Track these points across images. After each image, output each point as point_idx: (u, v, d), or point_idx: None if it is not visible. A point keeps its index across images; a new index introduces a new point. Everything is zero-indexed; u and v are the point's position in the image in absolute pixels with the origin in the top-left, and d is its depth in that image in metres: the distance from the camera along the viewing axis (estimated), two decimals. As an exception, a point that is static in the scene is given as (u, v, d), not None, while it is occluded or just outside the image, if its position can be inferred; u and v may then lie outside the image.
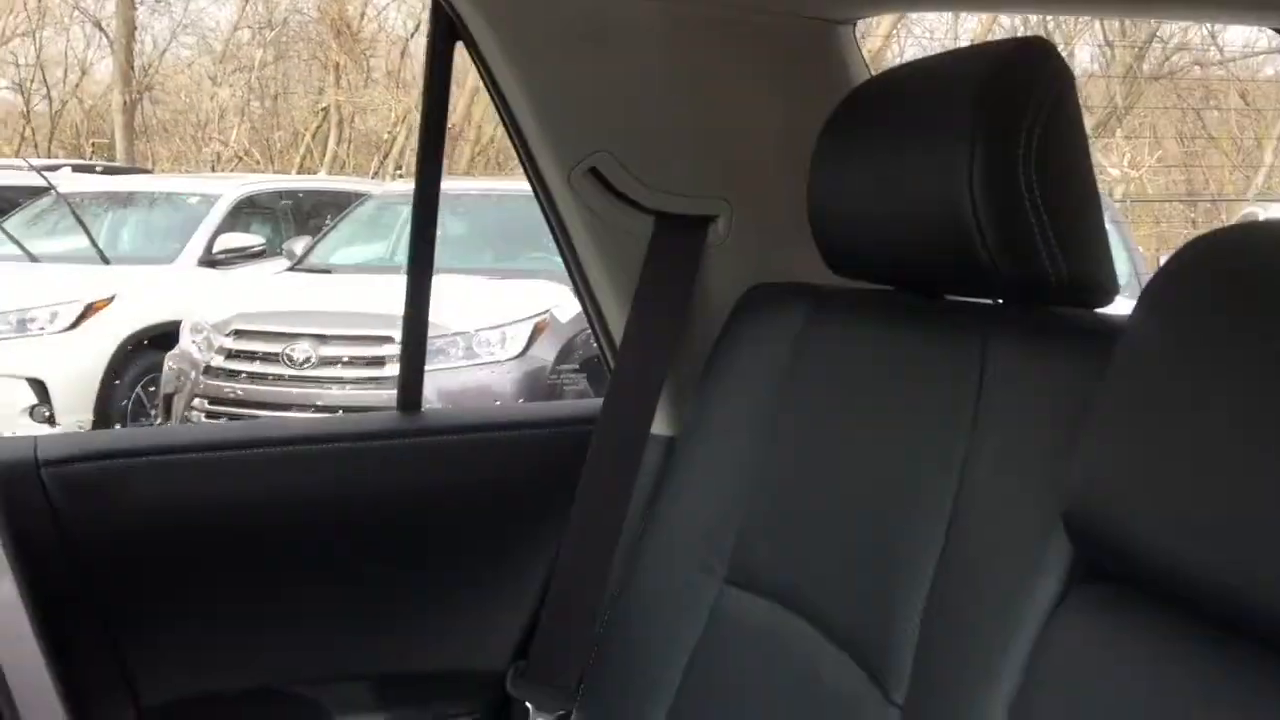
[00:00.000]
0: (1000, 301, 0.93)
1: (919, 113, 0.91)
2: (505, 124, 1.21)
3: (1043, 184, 0.83)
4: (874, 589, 0.86)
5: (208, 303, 6.05)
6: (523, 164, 1.23)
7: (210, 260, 7.30)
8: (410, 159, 16.13)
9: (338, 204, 8.18)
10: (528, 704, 1.20)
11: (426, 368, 1.39)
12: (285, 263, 7.06)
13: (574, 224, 1.23)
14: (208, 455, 1.29)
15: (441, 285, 5.00)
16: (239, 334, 5.48)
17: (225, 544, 1.25)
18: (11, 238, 7.05)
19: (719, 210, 1.22)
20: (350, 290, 5.85)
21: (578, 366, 5.27)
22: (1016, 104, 0.84)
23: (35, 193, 7.84)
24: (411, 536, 1.30)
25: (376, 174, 15.23)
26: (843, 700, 0.86)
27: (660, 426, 1.23)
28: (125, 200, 8.12)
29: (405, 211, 7.10)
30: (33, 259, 6.93)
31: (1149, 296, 0.66)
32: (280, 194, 8.67)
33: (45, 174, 7.84)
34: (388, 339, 4.89)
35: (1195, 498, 0.57)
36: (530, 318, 5.34)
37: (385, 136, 16.38)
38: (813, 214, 1.02)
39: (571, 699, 1.19)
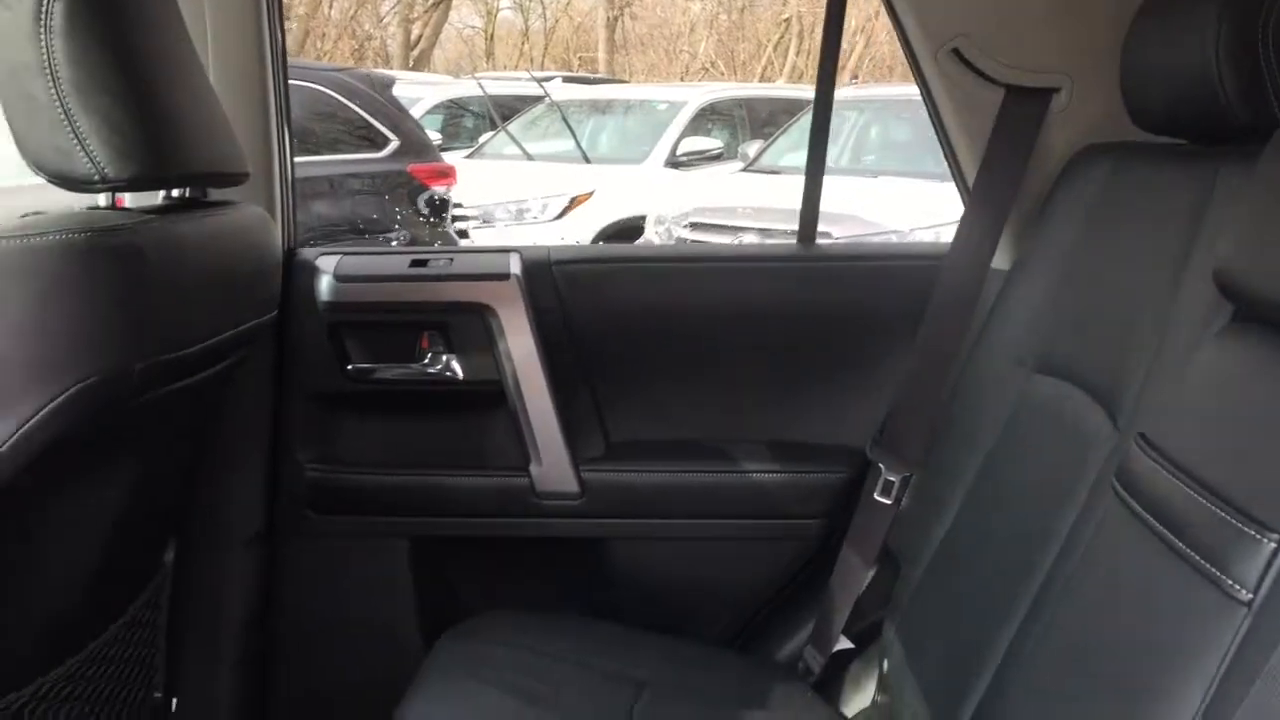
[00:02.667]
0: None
1: None
2: (889, 13, 1.55)
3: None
4: (1125, 351, 1.15)
5: (670, 199, 6.76)
6: (901, 47, 1.57)
7: (674, 161, 8.00)
8: (867, 67, 16.33)
9: (790, 111, 8.59)
10: (881, 465, 1.58)
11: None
12: (739, 164, 7.65)
13: (939, 94, 1.55)
14: (668, 265, 1.77)
15: (881, 188, 5.37)
16: (694, 226, 6.13)
17: (675, 331, 1.72)
18: (514, 139, 8.16)
19: (1061, 84, 1.49)
20: (796, 190, 6.29)
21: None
22: None
23: (532, 101, 8.97)
24: (803, 338, 1.71)
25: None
26: (1087, 436, 1.16)
27: (998, 262, 1.54)
28: (604, 107, 9.04)
29: (850, 118, 7.44)
30: (529, 158, 7.97)
31: None
32: (739, 101, 9.21)
33: (541, 84, 8.92)
34: (824, 235, 5.29)
35: None
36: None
37: (843, 47, 16.63)
38: (1124, 80, 1.28)
39: (914, 464, 1.56)
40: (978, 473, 1.40)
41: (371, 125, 5.75)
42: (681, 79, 16.84)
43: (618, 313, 1.71)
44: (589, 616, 1.67)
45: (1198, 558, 0.85)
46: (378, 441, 1.73)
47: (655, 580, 1.75)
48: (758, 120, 9.01)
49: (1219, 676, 0.79)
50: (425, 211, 5.88)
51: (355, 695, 1.58)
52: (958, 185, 1.63)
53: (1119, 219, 1.29)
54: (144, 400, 1.16)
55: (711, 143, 8.29)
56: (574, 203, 7.27)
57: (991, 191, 1.53)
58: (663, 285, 1.73)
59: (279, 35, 1.65)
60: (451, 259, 1.69)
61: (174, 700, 1.66)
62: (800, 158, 7.78)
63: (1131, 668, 0.88)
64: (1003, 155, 1.52)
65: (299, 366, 1.69)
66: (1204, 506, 0.85)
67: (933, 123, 1.61)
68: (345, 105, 5.68)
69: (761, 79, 16.59)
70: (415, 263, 1.69)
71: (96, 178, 1.09)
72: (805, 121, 7.65)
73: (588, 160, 7.93)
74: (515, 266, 1.66)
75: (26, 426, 1.02)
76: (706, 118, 8.59)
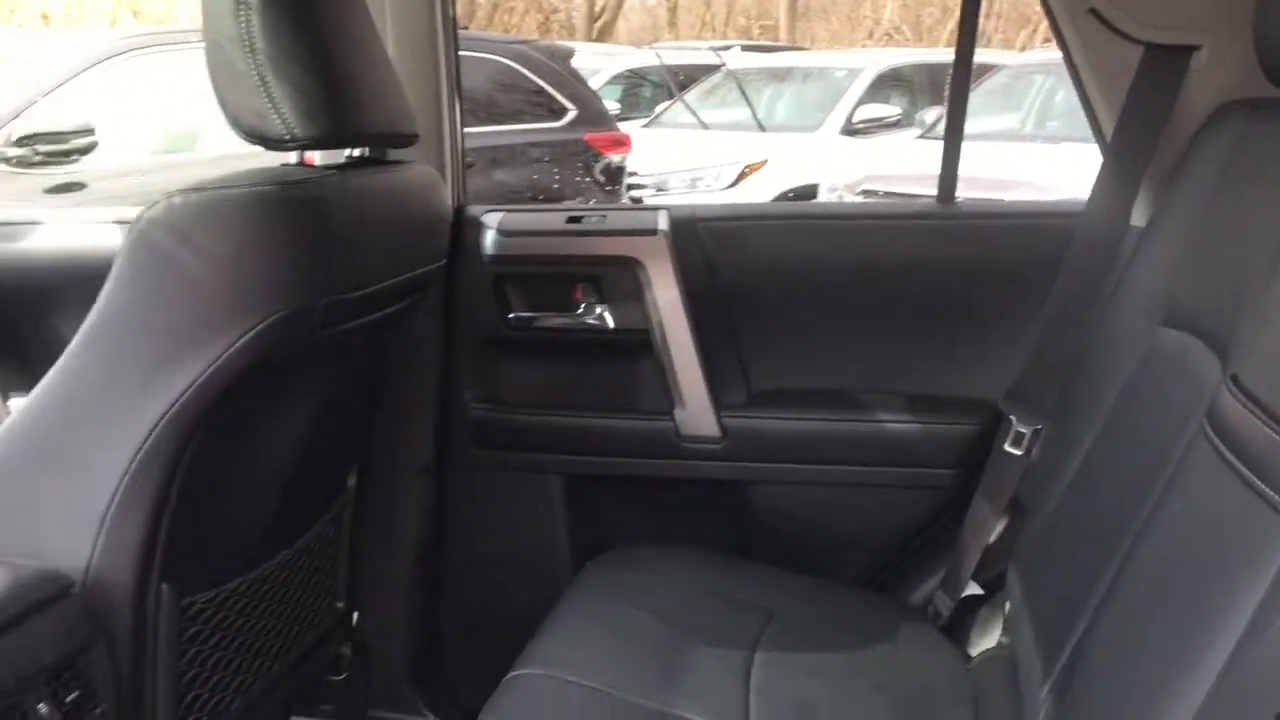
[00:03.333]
0: None
1: None
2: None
3: None
4: (1241, 302, 1.18)
5: (844, 167, 6.74)
6: (1041, 6, 1.59)
7: (850, 129, 7.95)
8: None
9: (974, 76, 8.39)
10: (1012, 418, 1.62)
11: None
12: (917, 132, 7.55)
13: (1078, 54, 1.57)
14: (809, 223, 1.85)
15: (1063, 154, 5.24)
16: (866, 194, 6.11)
17: (815, 286, 1.79)
18: (689, 108, 8.26)
19: (1200, 40, 1.49)
20: (977, 156, 6.18)
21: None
22: None
23: (710, 70, 9.05)
24: (939, 293, 1.76)
25: (1024, 47, 15.09)
26: (1200, 383, 1.19)
27: (1135, 219, 1.56)
28: (782, 75, 9.04)
29: (1039, 82, 7.24)
30: (704, 127, 8.07)
31: None
32: (920, 67, 9.06)
33: (718, 53, 8.98)
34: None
35: None
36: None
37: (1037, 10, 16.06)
38: (1259, 38, 1.29)
39: (1045, 416, 1.59)
40: (1102, 424, 1.44)
41: (551, 95, 5.94)
42: (863, 45, 16.59)
43: (760, 267, 1.80)
44: (725, 553, 1.78)
45: (1275, 496, 0.88)
46: (536, 384, 1.87)
47: (790, 523, 1.84)
48: (938, 86, 8.84)
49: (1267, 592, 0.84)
50: (601, 179, 6.05)
51: (511, 614, 1.73)
52: (1098, 143, 1.65)
53: (1252, 175, 1.31)
54: (327, 334, 1.32)
55: (889, 110, 8.20)
56: (747, 171, 7.33)
57: (1129, 149, 1.55)
58: (803, 242, 1.81)
59: (450, 9, 1.80)
60: (604, 216, 1.81)
61: (355, 614, 1.85)
62: (979, 124, 7.62)
63: (1197, 591, 0.93)
64: (1141, 113, 1.53)
65: (465, 314, 1.84)
66: None
67: (1073, 82, 1.63)
68: (526, 76, 5.89)
69: (948, 44, 16.19)
70: (571, 219, 1.82)
71: (287, 137, 1.25)
72: (987, 85, 7.49)
73: (762, 128, 7.97)
74: (663, 223, 1.77)
75: (230, 350, 1.19)
76: (885, 84, 8.48)
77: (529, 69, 5.91)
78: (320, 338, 1.31)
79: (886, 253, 1.78)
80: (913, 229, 1.80)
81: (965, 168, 1.83)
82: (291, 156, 1.33)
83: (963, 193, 1.84)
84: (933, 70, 8.97)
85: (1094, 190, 1.58)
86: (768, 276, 1.81)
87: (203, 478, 1.27)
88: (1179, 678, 0.89)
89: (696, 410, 1.79)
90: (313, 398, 1.44)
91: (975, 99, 7.37)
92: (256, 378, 1.24)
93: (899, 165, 6.44)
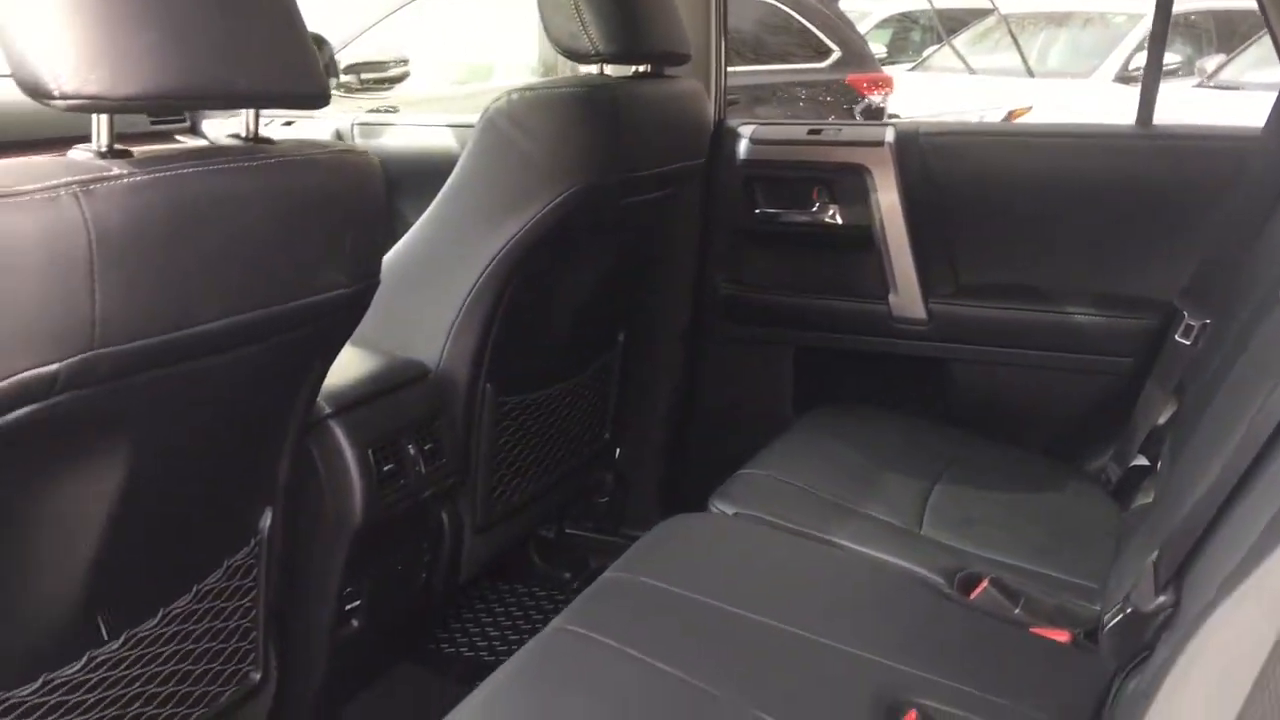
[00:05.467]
0: None
1: None
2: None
3: None
4: None
5: (1111, 113, 6.66)
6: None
7: (1124, 76, 7.78)
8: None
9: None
10: (1185, 312, 1.87)
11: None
12: (1195, 80, 7.33)
13: (1275, 20, 1.79)
14: (1018, 139, 2.15)
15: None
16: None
17: (1020, 194, 2.07)
18: (956, 52, 8.30)
19: None
20: (1256, 110, 6.00)
21: None
22: None
23: (982, 14, 9.00)
24: (1129, 203, 2.01)
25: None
26: None
27: None
28: (1060, 20, 8.87)
29: None
30: (971, 71, 8.09)
31: None
32: (1209, 13, 8.69)
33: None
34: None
35: None
36: None
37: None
38: None
39: (1213, 312, 1.83)
40: (1262, 320, 1.68)
41: (817, 37, 6.22)
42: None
43: (973, 177, 2.11)
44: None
45: None
46: (774, 269, 2.26)
47: (983, 397, 2.15)
48: (1228, 33, 8.46)
49: None
50: (861, 120, 6.29)
51: (744, 457, 2.12)
52: None
53: None
54: (612, 207, 1.75)
55: (1169, 57, 7.93)
56: (1010, 116, 7.33)
57: None
58: (1012, 155, 2.10)
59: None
60: (840, 129, 2.16)
61: (618, 449, 2.30)
62: (1265, 75, 7.19)
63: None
64: None
65: (720, 208, 2.24)
66: None
67: (1262, 16, 1.84)
68: (795, 19, 6.19)
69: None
70: (812, 131, 2.18)
71: (592, 52, 1.68)
72: None
73: (1031, 74, 7.91)
74: (889, 136, 2.10)
75: (547, 208, 1.64)
76: (1171, 30, 8.18)
77: (798, 11, 6.20)
78: (607, 211, 1.74)
79: (1085, 167, 2.05)
80: (1110, 147, 2.06)
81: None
82: (595, 68, 1.76)
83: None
84: (1223, 17, 8.59)
85: (1273, 112, 1.81)
86: (978, 184, 2.11)
87: (520, 307, 1.73)
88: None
89: (907, 296, 2.13)
90: (598, 261, 1.88)
91: (1255, 49, 7.06)
92: (562, 234, 1.68)
93: (1165, 115, 6.32)
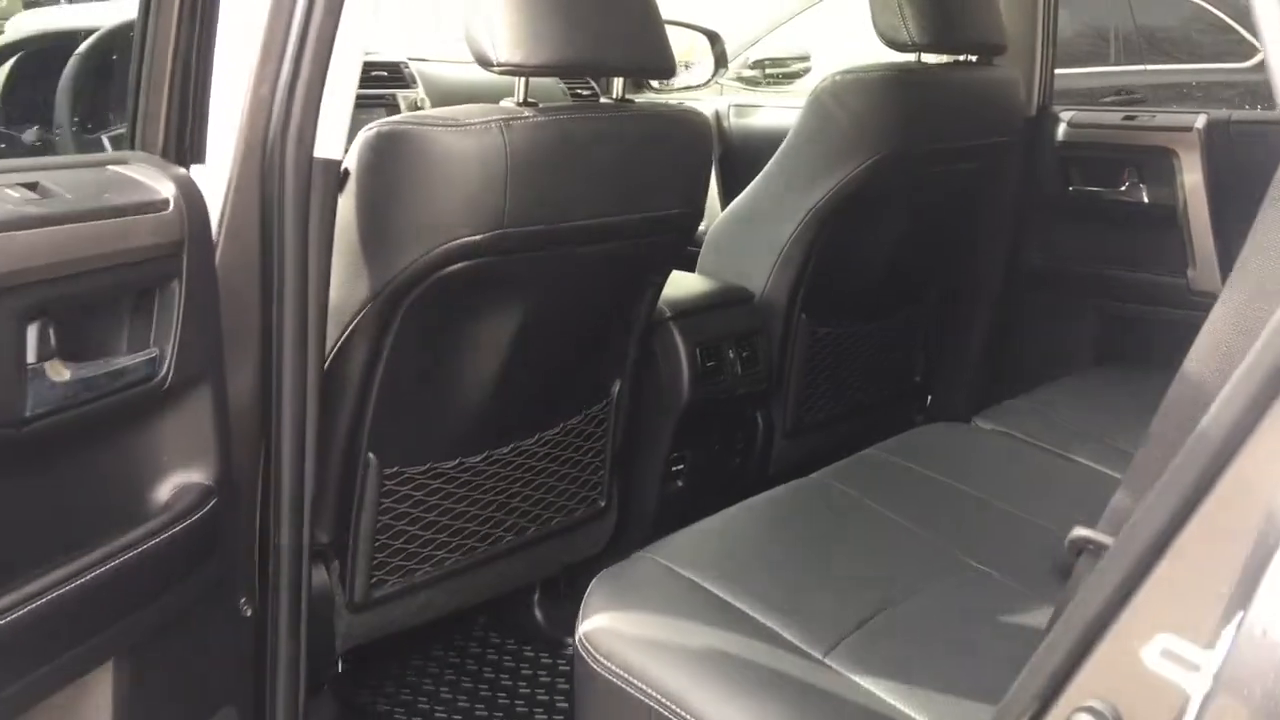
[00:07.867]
0: None
1: None
2: None
3: None
4: None
5: None
6: None
7: None
8: None
9: None
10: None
11: None
12: None
13: None
14: None
15: None
16: None
17: None
18: None
19: None
20: None
21: None
22: None
23: None
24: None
25: None
26: None
27: None
28: None
29: None
30: None
31: None
32: None
33: None
34: None
35: None
36: None
37: None
38: None
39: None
40: None
41: (1240, 35, 6.00)
42: None
43: None
44: None
45: None
46: (1082, 242, 2.48)
47: None
48: None
49: None
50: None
51: None
52: None
53: None
54: (919, 173, 2.09)
55: None
56: None
57: None
58: None
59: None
60: (1154, 115, 2.35)
61: (929, 395, 2.62)
62: None
63: None
64: None
65: (1037, 185, 2.49)
66: None
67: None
68: (1219, 17, 6.00)
69: None
70: (1127, 118, 2.39)
71: (909, 43, 2.03)
72: None
73: None
74: (1199, 123, 2.27)
75: (851, 174, 2.01)
76: None
77: (1221, 10, 6.01)
78: (909, 177, 2.09)
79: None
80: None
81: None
82: (911, 57, 2.11)
83: None
84: None
85: None
86: None
87: (831, 252, 2.12)
88: None
89: (1206, 271, 2.29)
90: (900, 221, 2.21)
91: None
92: (868, 194, 2.05)
93: None
